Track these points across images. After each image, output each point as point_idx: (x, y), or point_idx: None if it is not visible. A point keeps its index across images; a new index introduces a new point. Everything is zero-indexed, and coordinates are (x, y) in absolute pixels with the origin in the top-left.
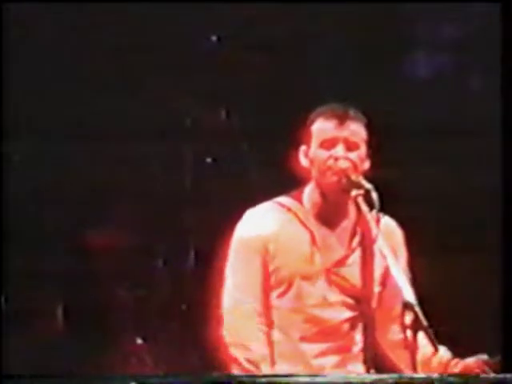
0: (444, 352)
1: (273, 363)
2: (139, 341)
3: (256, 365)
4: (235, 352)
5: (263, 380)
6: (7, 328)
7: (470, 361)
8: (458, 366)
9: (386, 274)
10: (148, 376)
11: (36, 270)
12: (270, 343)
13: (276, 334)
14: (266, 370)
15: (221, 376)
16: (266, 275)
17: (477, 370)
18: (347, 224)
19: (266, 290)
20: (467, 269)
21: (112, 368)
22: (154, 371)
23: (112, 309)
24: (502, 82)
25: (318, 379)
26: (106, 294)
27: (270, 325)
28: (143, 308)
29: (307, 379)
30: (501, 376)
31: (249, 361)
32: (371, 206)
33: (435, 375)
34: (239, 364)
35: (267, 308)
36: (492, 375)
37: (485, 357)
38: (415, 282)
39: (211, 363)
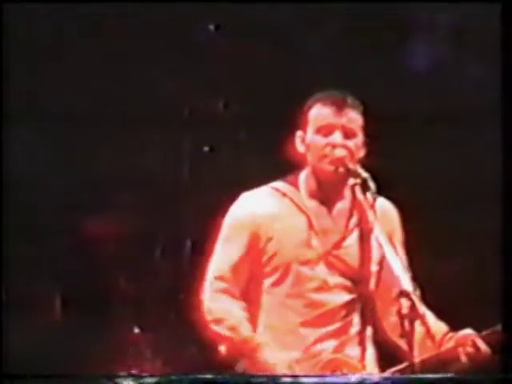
0: (440, 327)
1: (254, 328)
2: (137, 330)
3: (235, 329)
4: (215, 327)
5: (264, 380)
6: (7, 317)
7: (461, 335)
8: (452, 340)
9: (384, 254)
10: (147, 375)
11: (35, 259)
12: (252, 317)
13: (274, 321)
14: (246, 331)
15: (220, 376)
16: (254, 255)
17: (467, 346)
18: (343, 205)
19: (252, 270)
20: (466, 259)
21: (110, 358)
22: (152, 360)
23: (110, 298)
24: (502, 73)
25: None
26: (104, 283)
27: (251, 302)
28: (141, 297)
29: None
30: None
31: (228, 328)
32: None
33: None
34: (222, 337)
35: (253, 288)
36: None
37: (471, 332)
38: (412, 273)
39: (209, 353)
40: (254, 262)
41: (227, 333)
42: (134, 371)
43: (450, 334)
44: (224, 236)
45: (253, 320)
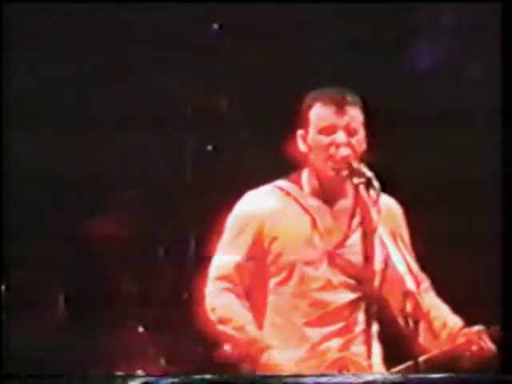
0: (455, 321)
1: (260, 327)
2: (141, 329)
3: (242, 330)
4: (221, 327)
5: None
6: (10, 317)
7: (472, 331)
8: (464, 335)
9: (388, 252)
10: (149, 375)
11: (37, 259)
12: (258, 317)
13: (279, 320)
14: (253, 332)
15: (220, 376)
16: (259, 254)
17: (478, 341)
18: (346, 204)
19: (258, 269)
20: (466, 254)
21: (114, 357)
22: (156, 359)
23: (113, 298)
24: (502, 73)
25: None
26: (108, 282)
27: (257, 302)
28: (145, 297)
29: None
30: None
31: (235, 329)
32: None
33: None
34: (228, 336)
35: (259, 288)
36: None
37: (483, 328)
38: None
39: (212, 352)
40: (258, 262)
41: (233, 333)
42: (138, 371)
43: (465, 330)
44: (228, 234)
45: (259, 320)
